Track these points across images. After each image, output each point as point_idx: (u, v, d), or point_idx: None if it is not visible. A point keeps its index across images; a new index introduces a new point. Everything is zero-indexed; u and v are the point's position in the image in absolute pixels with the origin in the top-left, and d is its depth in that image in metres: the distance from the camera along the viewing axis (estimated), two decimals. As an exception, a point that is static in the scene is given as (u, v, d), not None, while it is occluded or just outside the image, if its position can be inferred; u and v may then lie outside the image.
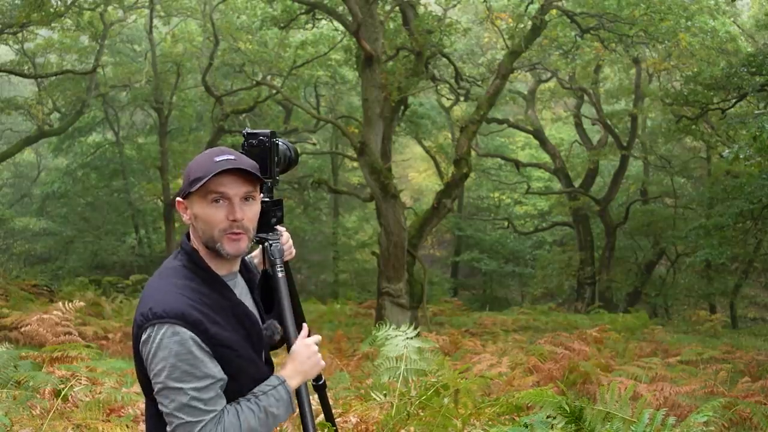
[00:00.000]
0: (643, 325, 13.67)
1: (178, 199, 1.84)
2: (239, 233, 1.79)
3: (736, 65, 11.65)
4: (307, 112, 17.93)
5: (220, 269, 1.84)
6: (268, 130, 2.11)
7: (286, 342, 1.96)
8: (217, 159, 1.76)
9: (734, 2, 15.68)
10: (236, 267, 1.92)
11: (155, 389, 1.69)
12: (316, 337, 1.97)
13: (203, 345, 1.69)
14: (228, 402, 1.74)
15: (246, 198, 1.79)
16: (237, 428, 1.69)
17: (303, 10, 14.61)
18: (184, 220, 1.82)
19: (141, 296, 1.77)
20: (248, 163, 1.80)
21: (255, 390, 1.79)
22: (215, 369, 1.70)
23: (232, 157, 1.77)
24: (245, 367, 1.80)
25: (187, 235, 1.86)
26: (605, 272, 20.29)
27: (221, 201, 1.76)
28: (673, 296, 21.01)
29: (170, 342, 1.65)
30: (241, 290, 1.93)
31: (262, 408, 1.75)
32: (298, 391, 1.97)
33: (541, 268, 23.33)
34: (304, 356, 1.90)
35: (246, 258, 2.29)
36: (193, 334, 1.67)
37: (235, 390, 1.76)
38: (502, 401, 3.87)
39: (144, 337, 1.68)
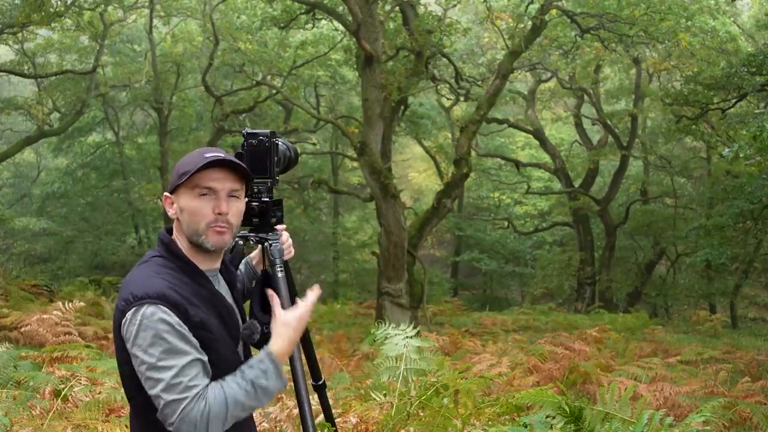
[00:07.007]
0: (643, 325, 13.65)
1: (165, 194, 1.87)
2: (224, 227, 1.83)
3: (736, 65, 11.63)
4: (307, 112, 17.93)
5: (201, 265, 1.87)
6: (268, 130, 2.12)
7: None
8: (207, 155, 1.81)
9: (734, 2, 15.68)
10: (217, 264, 1.94)
11: (140, 374, 1.69)
12: (311, 300, 1.92)
13: (183, 325, 1.71)
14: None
15: (232, 195, 1.84)
16: (222, 403, 1.67)
17: (303, 10, 14.60)
18: (170, 214, 1.86)
19: (122, 285, 1.81)
20: (238, 163, 1.85)
21: (242, 366, 1.77)
22: (195, 348, 1.71)
23: (222, 155, 1.82)
24: (224, 353, 1.81)
25: (168, 230, 1.91)
26: (605, 272, 20.28)
27: (209, 195, 1.81)
28: (673, 296, 20.99)
29: (151, 321, 1.67)
30: (221, 288, 1.94)
31: (249, 380, 1.72)
32: (297, 392, 1.97)
33: (541, 268, 23.32)
34: (292, 327, 1.85)
35: (246, 258, 2.29)
36: (173, 314, 1.69)
37: (216, 377, 1.75)
38: (502, 401, 3.87)
39: (126, 319, 1.70)
